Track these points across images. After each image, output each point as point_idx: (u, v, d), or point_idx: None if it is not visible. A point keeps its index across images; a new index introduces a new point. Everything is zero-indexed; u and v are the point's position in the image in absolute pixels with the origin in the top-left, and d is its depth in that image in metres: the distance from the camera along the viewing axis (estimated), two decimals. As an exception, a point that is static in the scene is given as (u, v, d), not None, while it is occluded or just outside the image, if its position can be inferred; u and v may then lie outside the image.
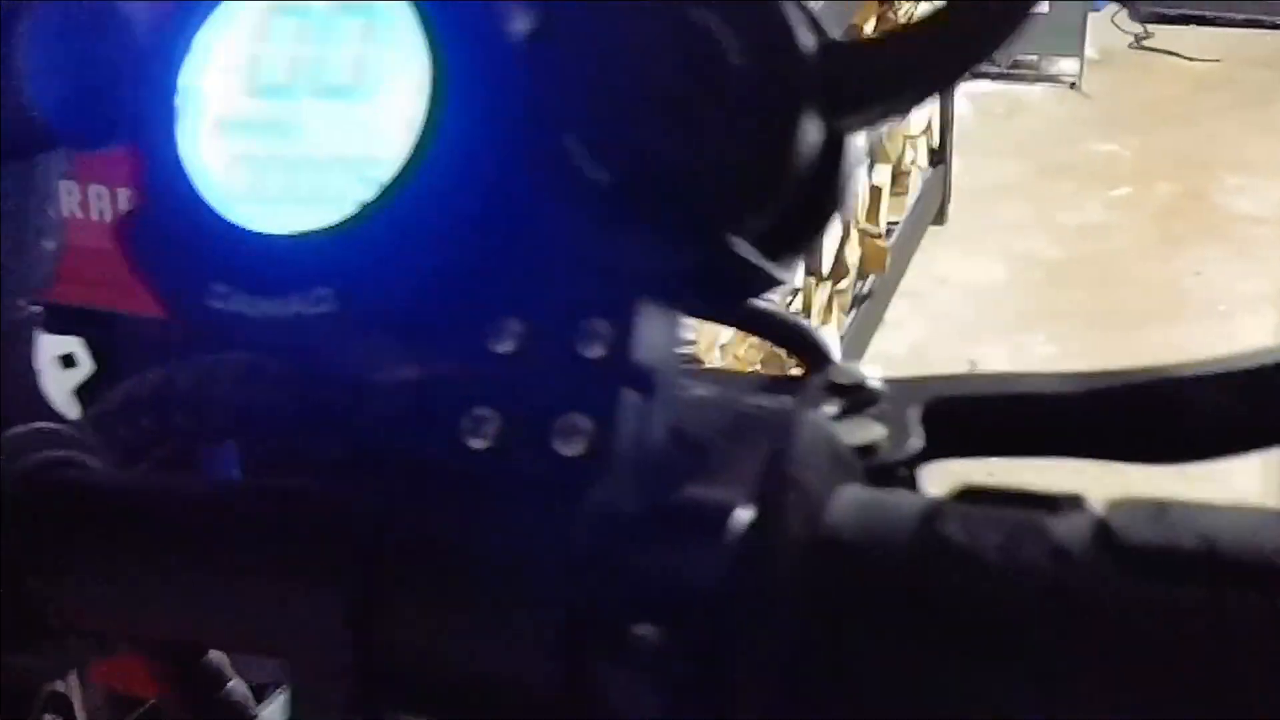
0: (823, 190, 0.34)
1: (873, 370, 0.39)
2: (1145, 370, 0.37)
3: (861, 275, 3.26)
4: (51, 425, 0.42)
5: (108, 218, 1.17)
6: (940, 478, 0.36)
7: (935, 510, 0.30)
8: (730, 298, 0.36)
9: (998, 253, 3.73)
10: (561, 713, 0.32)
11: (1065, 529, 0.29)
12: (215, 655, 0.53)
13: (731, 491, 0.32)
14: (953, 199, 3.89)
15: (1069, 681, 0.28)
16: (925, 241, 3.72)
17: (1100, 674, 0.27)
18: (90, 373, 1.00)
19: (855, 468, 0.33)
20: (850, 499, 0.31)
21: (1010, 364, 3.15)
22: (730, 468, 0.33)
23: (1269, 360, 0.36)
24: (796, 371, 0.42)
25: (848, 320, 3.20)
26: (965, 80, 0.33)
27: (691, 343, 2.17)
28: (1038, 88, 4.71)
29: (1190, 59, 4.88)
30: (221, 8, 0.37)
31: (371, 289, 0.34)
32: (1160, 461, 0.37)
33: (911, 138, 3.58)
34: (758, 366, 2.46)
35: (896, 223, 3.52)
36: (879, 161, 3.29)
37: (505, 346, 0.35)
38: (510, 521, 0.33)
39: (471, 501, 0.34)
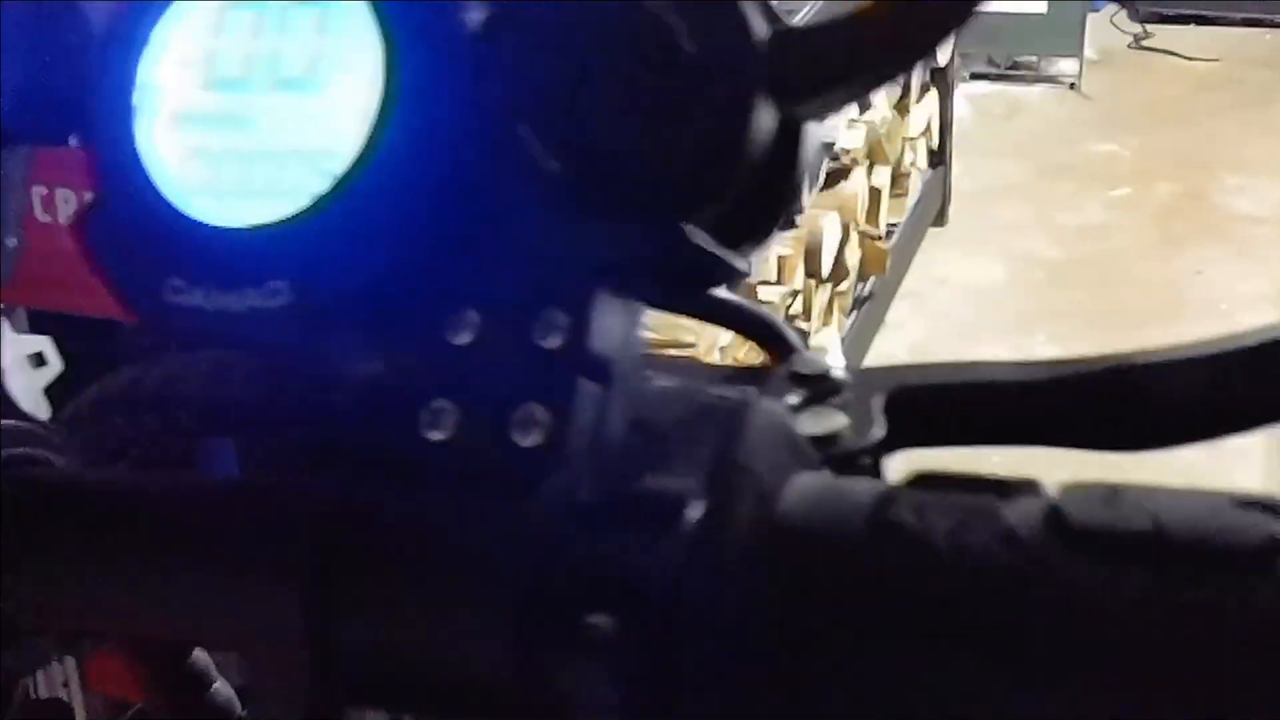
0: (781, 178, 0.34)
1: (836, 360, 0.39)
2: (1107, 358, 0.37)
3: (862, 277, 3.26)
4: (16, 423, 0.42)
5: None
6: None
7: (887, 496, 0.30)
8: (690, 288, 0.36)
9: (998, 254, 3.73)
10: (518, 703, 0.32)
11: (1016, 513, 0.29)
12: (200, 657, 0.53)
13: (686, 481, 0.31)
14: (953, 200, 3.90)
15: (1017, 663, 0.27)
16: (925, 243, 3.72)
17: (1048, 655, 0.27)
18: (59, 371, 1.00)
19: (811, 456, 0.33)
20: (804, 486, 0.31)
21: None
22: (688, 458, 0.33)
23: (1230, 347, 0.36)
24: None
25: (849, 322, 3.20)
26: (918, 69, 0.32)
27: (691, 345, 2.17)
28: (1037, 88, 4.71)
29: (1190, 59, 4.88)
30: (176, 4, 0.37)
31: (326, 281, 0.34)
32: (1123, 449, 0.37)
33: (911, 139, 3.58)
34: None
35: (896, 224, 3.52)
36: (879, 163, 3.29)
37: (463, 338, 0.35)
38: (466, 513, 0.33)
39: (429, 493, 0.34)
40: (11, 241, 0.43)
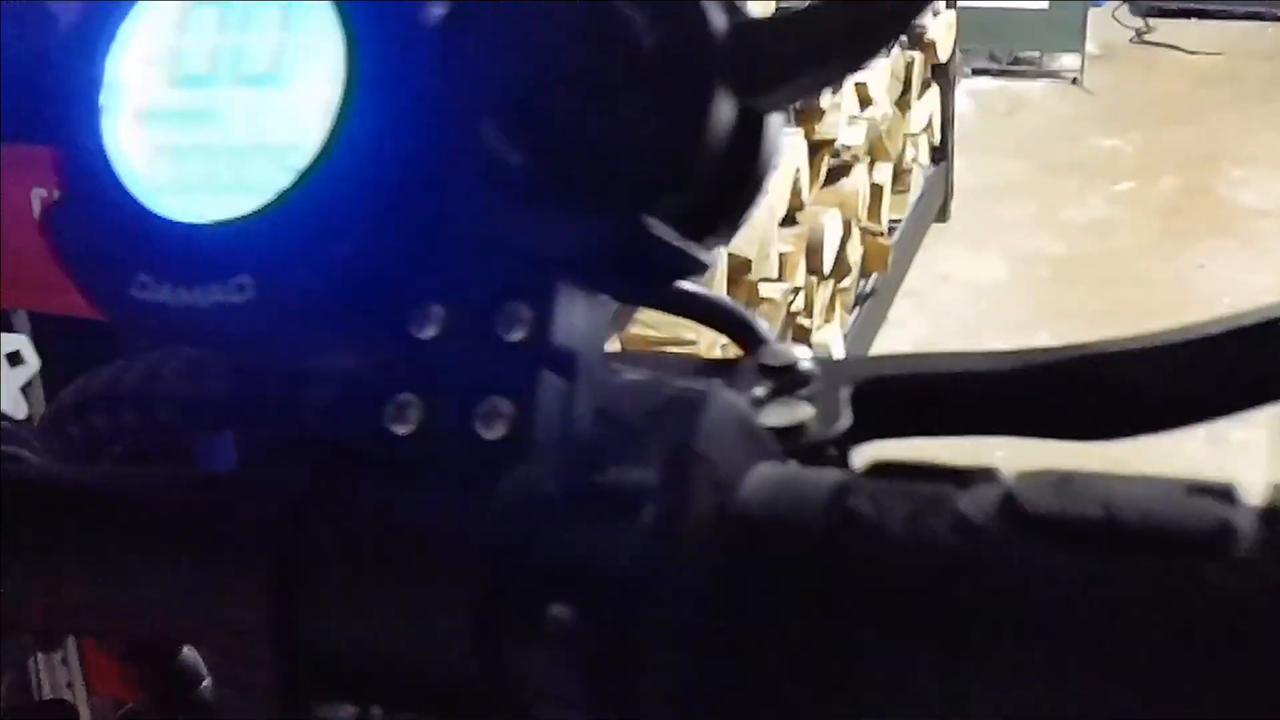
0: (743, 170, 0.34)
1: (805, 352, 0.39)
2: (1074, 347, 0.37)
3: (864, 274, 3.26)
4: (-9, 421, 0.42)
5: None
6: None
7: (844, 485, 0.30)
8: (654, 280, 0.36)
9: (1000, 250, 3.73)
10: (482, 695, 0.32)
11: (971, 501, 0.29)
12: (188, 655, 0.53)
13: (645, 472, 0.31)
14: (955, 196, 3.90)
15: (971, 648, 0.27)
16: (928, 239, 3.72)
17: (1001, 640, 0.27)
18: (37, 370, 1.00)
19: (772, 447, 0.33)
20: (763, 476, 0.31)
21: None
22: (649, 449, 0.33)
23: (1194, 336, 0.36)
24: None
25: (851, 319, 3.20)
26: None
27: (692, 342, 2.17)
28: (1039, 84, 4.71)
29: (1192, 53, 4.88)
30: (141, 3, 0.37)
31: (290, 276, 0.34)
32: (1091, 438, 0.37)
33: (913, 136, 3.59)
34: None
35: (899, 221, 3.52)
36: (880, 160, 3.29)
37: (427, 332, 0.35)
38: (430, 505, 0.33)
39: (393, 486, 0.34)
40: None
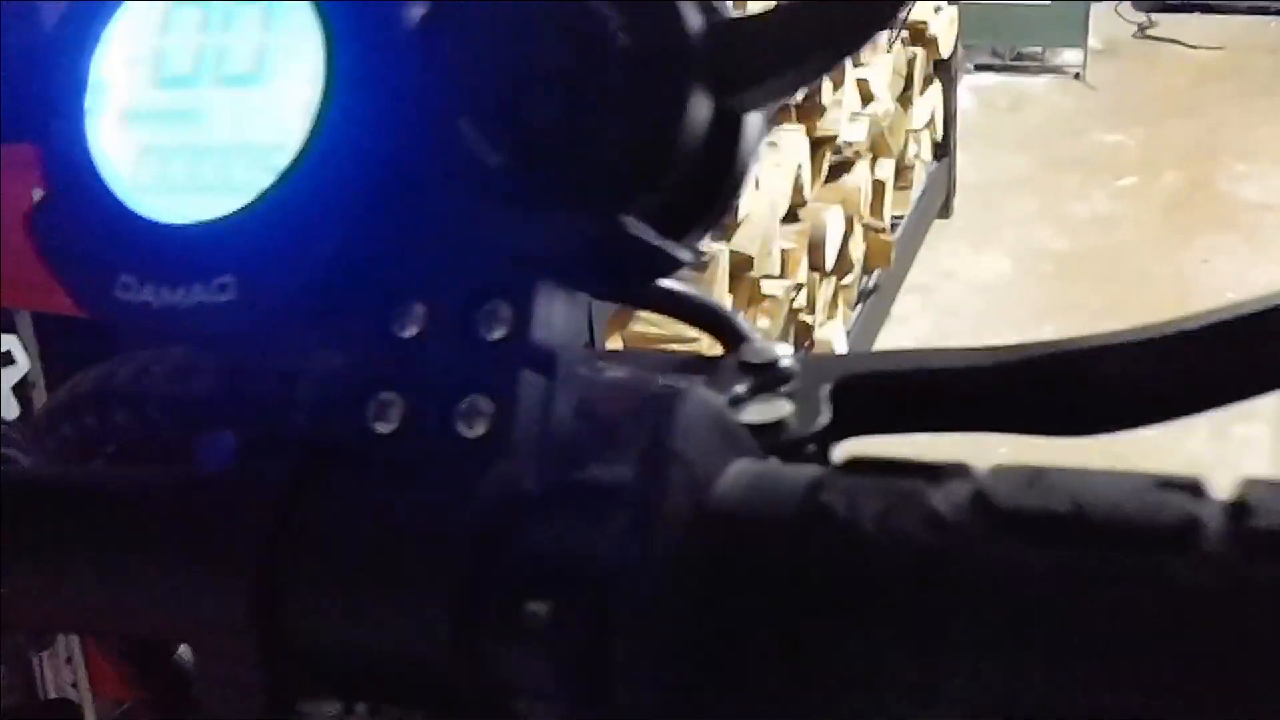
0: (721, 168, 0.34)
1: (785, 349, 0.40)
2: (1051, 343, 0.38)
3: (866, 270, 3.26)
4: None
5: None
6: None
7: (818, 482, 0.30)
8: (633, 278, 0.36)
9: (1004, 245, 3.73)
10: (462, 690, 0.33)
11: (942, 497, 0.29)
12: (184, 654, 0.53)
13: (622, 469, 0.32)
14: (958, 192, 3.89)
15: (942, 643, 0.28)
16: (931, 235, 3.72)
17: (972, 634, 0.27)
18: (28, 370, 1.00)
19: (748, 443, 0.33)
20: (739, 473, 0.32)
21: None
22: (626, 447, 0.33)
23: (1170, 332, 0.36)
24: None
25: (854, 315, 3.20)
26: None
27: (694, 340, 2.16)
28: (1042, 79, 4.71)
29: (1194, 47, 4.87)
30: (126, 4, 0.37)
31: (272, 276, 0.35)
32: (1068, 433, 0.37)
33: (915, 132, 3.58)
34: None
35: (901, 217, 3.52)
36: (882, 156, 3.29)
37: (409, 331, 0.35)
38: (411, 503, 0.34)
39: (375, 484, 0.34)
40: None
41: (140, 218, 0.36)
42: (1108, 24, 4.97)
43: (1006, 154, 4.17)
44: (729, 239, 2.44)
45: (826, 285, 2.96)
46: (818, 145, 2.88)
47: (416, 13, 0.35)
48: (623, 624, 0.30)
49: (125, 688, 0.57)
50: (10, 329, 1.02)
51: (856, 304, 3.23)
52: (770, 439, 0.36)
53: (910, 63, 3.49)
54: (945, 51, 3.70)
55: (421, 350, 0.35)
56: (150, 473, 0.39)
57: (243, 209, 0.35)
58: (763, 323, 2.60)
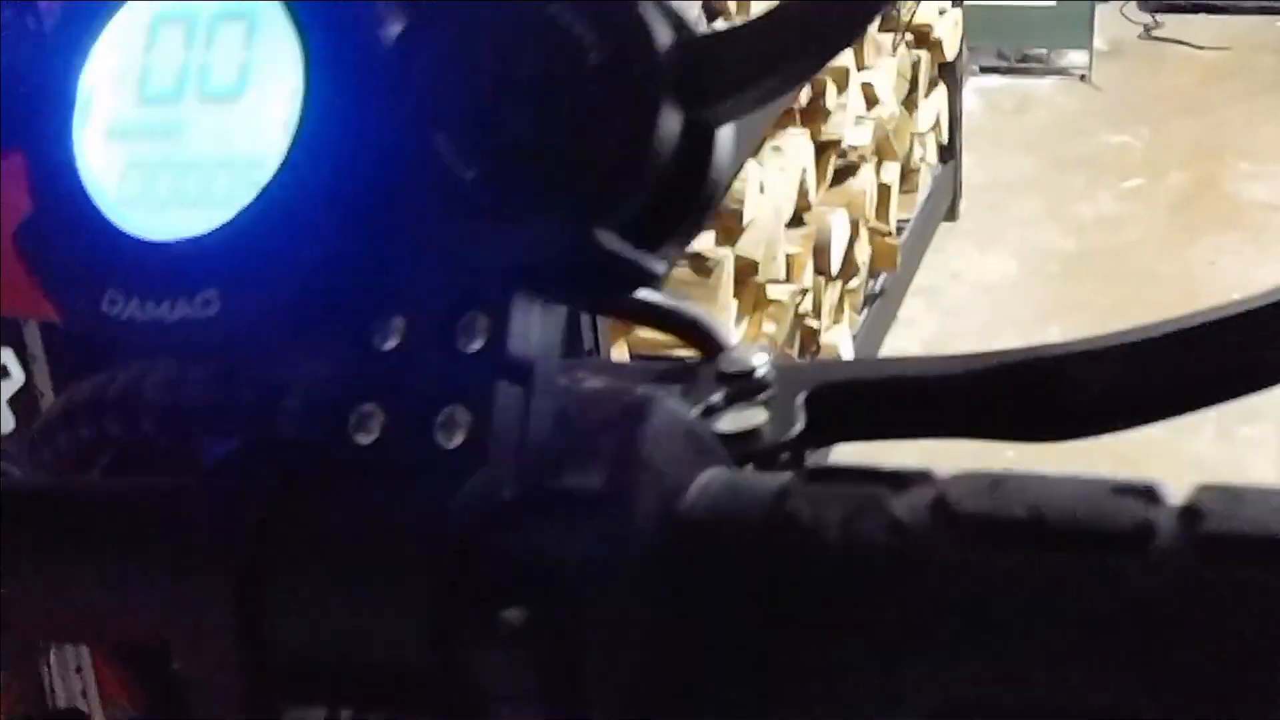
0: (695, 181, 0.35)
1: (762, 358, 0.40)
2: (1024, 350, 0.38)
3: (872, 274, 3.26)
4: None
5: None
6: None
7: (785, 489, 0.31)
8: (608, 290, 0.37)
9: (1010, 247, 3.73)
10: (442, 695, 0.33)
11: (904, 504, 0.29)
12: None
13: (592, 478, 0.32)
14: (964, 195, 3.89)
15: (904, 646, 0.28)
16: (937, 238, 3.72)
17: (932, 637, 0.28)
18: (22, 384, 1.01)
19: (719, 453, 0.34)
20: (709, 481, 0.32)
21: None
22: (598, 456, 0.34)
23: (1141, 338, 0.37)
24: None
25: (860, 319, 3.20)
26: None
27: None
28: (1047, 81, 4.71)
29: (1200, 48, 4.87)
30: (112, 21, 0.38)
31: (253, 290, 0.35)
32: (1041, 439, 0.38)
33: (920, 135, 3.58)
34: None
35: (907, 220, 3.52)
36: (887, 159, 3.29)
37: (389, 343, 0.36)
38: (390, 512, 0.34)
39: (356, 494, 0.35)
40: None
41: (125, 234, 0.37)
42: (1113, 25, 4.97)
43: (1012, 156, 4.17)
44: (734, 244, 2.45)
45: (832, 289, 2.96)
46: (822, 149, 2.88)
47: (393, 31, 0.35)
48: (595, 629, 0.31)
49: (128, 695, 0.57)
50: (7, 341, 1.03)
51: (862, 308, 3.23)
52: (745, 447, 0.37)
53: (915, 66, 3.49)
54: (950, 54, 3.70)
55: (401, 362, 0.35)
56: (139, 482, 0.39)
57: (224, 224, 0.36)
58: (768, 328, 2.60)
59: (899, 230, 3.41)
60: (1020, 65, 4.76)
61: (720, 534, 0.31)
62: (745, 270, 2.47)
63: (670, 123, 0.33)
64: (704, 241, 2.40)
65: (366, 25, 0.35)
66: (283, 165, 0.35)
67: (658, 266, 0.35)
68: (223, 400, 0.43)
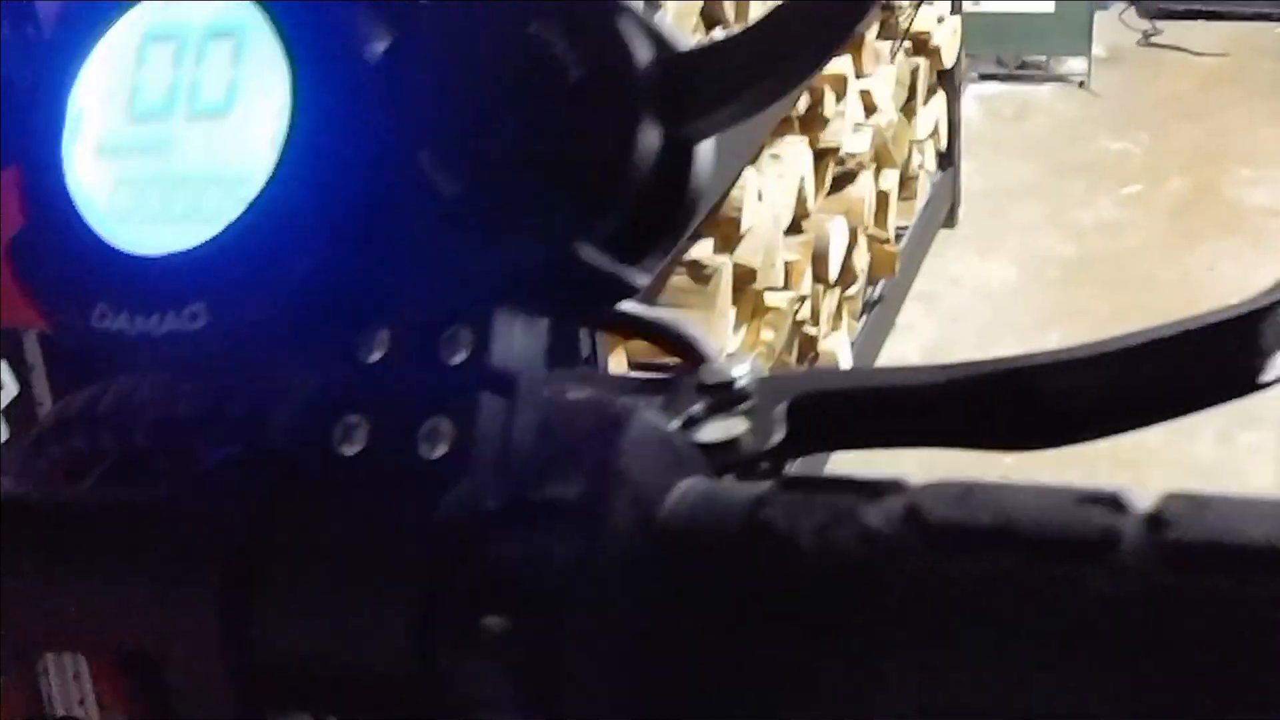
0: (675, 195, 0.35)
1: (743, 368, 0.41)
2: (1004, 360, 0.39)
3: (871, 280, 3.26)
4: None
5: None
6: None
7: (760, 498, 0.31)
8: (590, 303, 0.37)
9: (1010, 253, 3.73)
10: (425, 703, 0.34)
11: (877, 512, 0.30)
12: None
13: (570, 488, 0.33)
14: (964, 202, 3.90)
15: (877, 654, 0.29)
16: (936, 245, 3.73)
17: (904, 644, 0.29)
18: (16, 394, 1.02)
19: (697, 462, 0.35)
20: (686, 490, 0.33)
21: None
22: (577, 466, 0.34)
23: (1119, 347, 0.37)
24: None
25: (859, 326, 3.21)
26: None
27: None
28: (1046, 88, 4.72)
29: (1199, 54, 4.88)
30: (103, 40, 0.39)
31: (241, 304, 0.36)
32: (1021, 447, 0.38)
33: (919, 142, 3.59)
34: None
35: (906, 227, 3.53)
36: (886, 166, 3.29)
37: (374, 356, 0.36)
38: (374, 523, 0.35)
39: (340, 504, 0.36)
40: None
41: (115, 249, 0.37)
42: (1112, 32, 4.98)
43: (1012, 162, 4.18)
44: (732, 251, 2.46)
45: (830, 297, 2.96)
46: (821, 157, 2.89)
47: (378, 49, 0.36)
48: (575, 638, 0.31)
49: (123, 702, 0.58)
50: (3, 352, 1.03)
51: (861, 315, 3.23)
52: (724, 457, 0.38)
53: (913, 73, 3.50)
54: (949, 61, 3.71)
55: (386, 374, 0.36)
56: (130, 492, 0.40)
57: (212, 239, 0.36)
58: (766, 335, 2.61)
59: (898, 237, 3.41)
60: (1019, 72, 4.77)
61: (697, 542, 0.31)
62: (744, 277, 2.47)
63: (650, 138, 0.34)
64: (702, 249, 2.41)
65: (352, 43, 0.36)
66: (270, 180, 0.36)
67: (639, 279, 0.36)
68: (212, 411, 0.43)
